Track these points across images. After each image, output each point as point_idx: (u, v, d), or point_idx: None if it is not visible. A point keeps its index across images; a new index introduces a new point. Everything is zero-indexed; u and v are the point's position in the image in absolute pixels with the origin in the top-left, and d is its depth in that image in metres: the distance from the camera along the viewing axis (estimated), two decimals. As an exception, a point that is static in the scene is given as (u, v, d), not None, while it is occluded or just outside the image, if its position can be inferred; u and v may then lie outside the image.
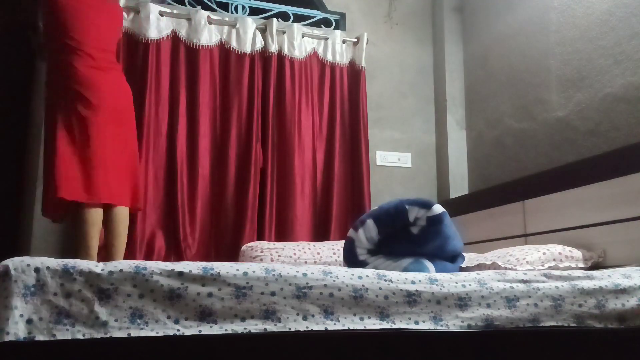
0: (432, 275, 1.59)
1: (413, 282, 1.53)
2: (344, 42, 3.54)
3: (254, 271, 1.41)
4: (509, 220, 2.78)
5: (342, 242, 2.31)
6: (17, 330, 1.19)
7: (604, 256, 2.21)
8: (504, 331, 1.53)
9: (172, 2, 3.30)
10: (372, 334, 1.43)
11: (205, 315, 1.33)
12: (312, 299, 1.42)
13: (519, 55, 3.16)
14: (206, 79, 3.20)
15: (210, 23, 3.25)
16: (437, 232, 1.98)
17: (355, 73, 3.53)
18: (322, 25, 3.60)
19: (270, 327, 1.36)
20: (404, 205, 1.99)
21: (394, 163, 3.63)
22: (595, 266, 2.18)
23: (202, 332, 1.31)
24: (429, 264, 1.96)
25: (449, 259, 2.07)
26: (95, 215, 2.24)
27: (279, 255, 2.66)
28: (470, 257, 2.35)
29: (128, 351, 1.26)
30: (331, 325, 1.41)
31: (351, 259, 2.07)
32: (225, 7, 3.43)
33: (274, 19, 3.38)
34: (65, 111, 2.23)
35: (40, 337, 1.21)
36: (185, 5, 3.34)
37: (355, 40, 3.57)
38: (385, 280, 1.51)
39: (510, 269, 2.00)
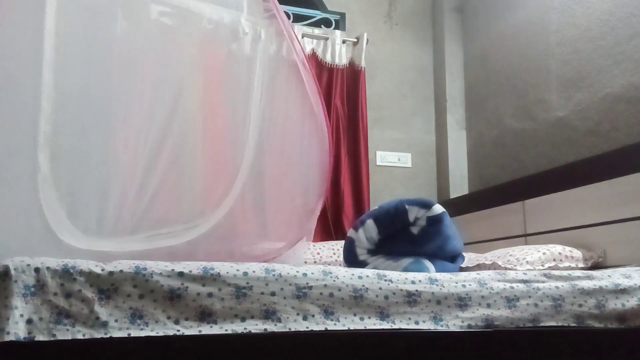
0: (432, 275, 1.59)
1: (413, 282, 1.53)
2: (343, 42, 3.54)
3: (254, 271, 1.41)
4: (509, 220, 2.78)
5: (342, 242, 2.31)
6: (17, 330, 1.19)
7: (604, 256, 2.21)
8: (504, 331, 1.53)
9: (172, 2, 3.30)
10: (372, 334, 1.43)
11: (205, 315, 1.33)
12: (312, 299, 1.42)
13: (519, 55, 3.16)
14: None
15: (210, 23, 3.24)
16: (437, 232, 1.98)
17: (355, 73, 3.53)
18: (322, 25, 3.60)
19: (270, 327, 1.36)
20: (404, 205, 1.99)
21: (394, 163, 3.63)
22: (595, 266, 2.18)
23: (202, 332, 1.31)
24: (429, 264, 1.96)
25: (449, 259, 2.07)
26: None
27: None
28: (470, 257, 2.35)
29: (128, 351, 1.26)
30: (331, 325, 1.41)
31: (351, 259, 2.07)
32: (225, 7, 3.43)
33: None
34: None
35: (40, 337, 1.21)
36: (185, 5, 3.34)
37: (355, 40, 3.57)
38: (386, 280, 1.51)
39: (510, 269, 2.00)
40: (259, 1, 2.38)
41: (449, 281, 1.57)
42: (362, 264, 2.02)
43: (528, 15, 3.11)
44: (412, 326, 1.47)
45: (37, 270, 1.26)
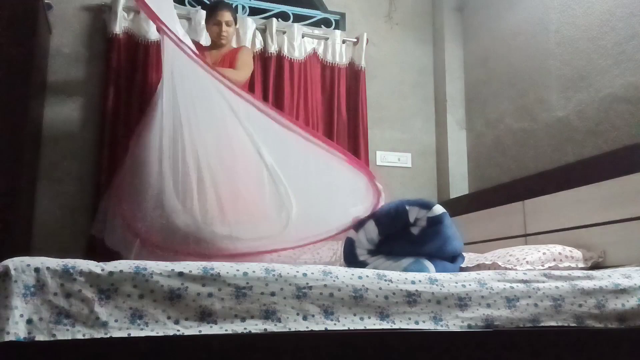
0: (432, 275, 1.59)
1: (413, 282, 1.53)
2: (343, 42, 3.54)
3: (254, 271, 1.41)
4: (509, 220, 2.78)
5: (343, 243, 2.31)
6: (17, 330, 1.19)
7: (604, 256, 2.21)
8: (504, 331, 1.53)
9: (172, 2, 3.30)
10: (372, 334, 1.43)
11: (205, 315, 1.33)
12: (312, 299, 1.42)
13: (519, 55, 3.16)
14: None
15: (210, 23, 3.24)
16: (437, 233, 1.98)
17: (355, 73, 3.53)
18: (322, 25, 3.60)
19: (270, 327, 1.36)
20: (404, 205, 1.99)
21: (394, 163, 3.62)
22: (595, 266, 2.18)
23: (202, 332, 1.31)
24: (429, 264, 1.96)
25: (449, 259, 2.07)
26: None
27: (279, 255, 2.67)
28: (470, 257, 2.35)
29: (128, 351, 1.26)
30: (331, 325, 1.41)
31: (351, 260, 2.07)
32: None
33: (274, 19, 3.38)
34: None
35: (40, 337, 1.21)
36: (185, 5, 3.34)
37: (355, 40, 3.57)
38: (385, 280, 1.51)
39: (510, 269, 2.00)
40: None
41: (449, 281, 1.57)
42: (362, 265, 2.01)
43: (528, 15, 3.11)
44: (412, 326, 1.47)
45: (37, 270, 1.26)
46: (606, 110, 2.55)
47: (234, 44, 3.11)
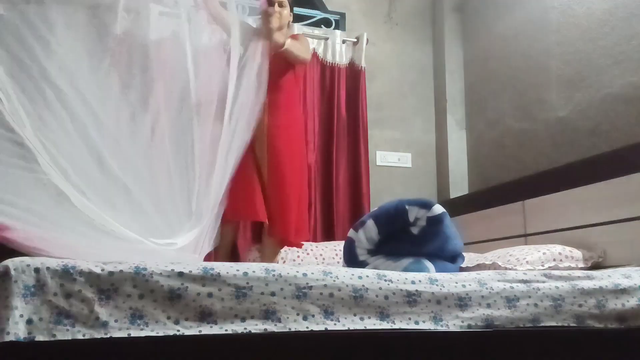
0: (432, 275, 1.59)
1: (413, 282, 1.53)
2: (343, 42, 3.54)
3: (254, 271, 1.41)
4: (509, 220, 2.78)
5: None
6: (17, 330, 1.19)
7: (604, 256, 2.21)
8: (504, 331, 1.53)
9: (172, 2, 3.29)
10: (372, 334, 1.43)
11: (205, 315, 1.33)
12: (312, 299, 1.42)
13: (519, 55, 3.16)
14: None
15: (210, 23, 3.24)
16: (437, 233, 1.98)
17: (355, 73, 3.53)
18: (322, 25, 3.60)
19: (270, 327, 1.36)
20: (404, 205, 1.99)
21: (394, 163, 3.62)
22: (595, 266, 2.18)
23: (202, 332, 1.31)
24: (429, 264, 1.96)
25: (449, 259, 2.07)
26: None
27: (283, 259, 2.68)
28: (470, 257, 2.35)
29: (128, 351, 1.26)
30: (331, 325, 1.41)
31: (351, 260, 2.07)
32: (224, 7, 3.43)
33: (274, 19, 3.37)
34: None
35: (40, 337, 1.21)
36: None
37: (355, 40, 3.57)
38: (385, 280, 1.51)
39: (510, 269, 2.00)
40: None
41: (449, 281, 1.57)
42: (362, 265, 2.02)
43: (528, 15, 3.11)
44: (412, 326, 1.47)
45: (37, 270, 1.26)
46: (606, 110, 2.55)
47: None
